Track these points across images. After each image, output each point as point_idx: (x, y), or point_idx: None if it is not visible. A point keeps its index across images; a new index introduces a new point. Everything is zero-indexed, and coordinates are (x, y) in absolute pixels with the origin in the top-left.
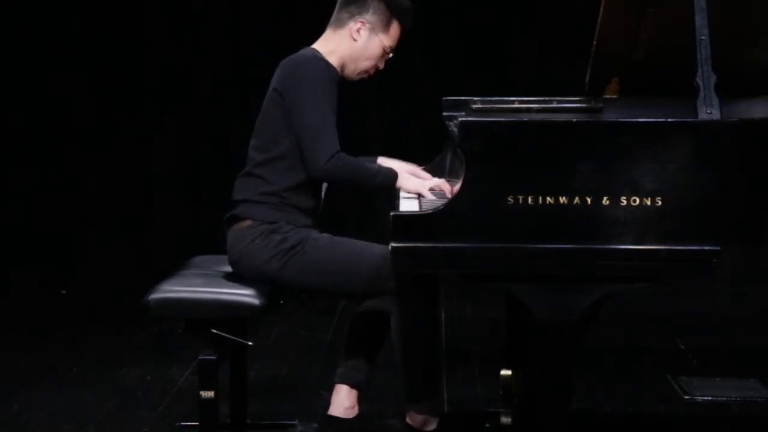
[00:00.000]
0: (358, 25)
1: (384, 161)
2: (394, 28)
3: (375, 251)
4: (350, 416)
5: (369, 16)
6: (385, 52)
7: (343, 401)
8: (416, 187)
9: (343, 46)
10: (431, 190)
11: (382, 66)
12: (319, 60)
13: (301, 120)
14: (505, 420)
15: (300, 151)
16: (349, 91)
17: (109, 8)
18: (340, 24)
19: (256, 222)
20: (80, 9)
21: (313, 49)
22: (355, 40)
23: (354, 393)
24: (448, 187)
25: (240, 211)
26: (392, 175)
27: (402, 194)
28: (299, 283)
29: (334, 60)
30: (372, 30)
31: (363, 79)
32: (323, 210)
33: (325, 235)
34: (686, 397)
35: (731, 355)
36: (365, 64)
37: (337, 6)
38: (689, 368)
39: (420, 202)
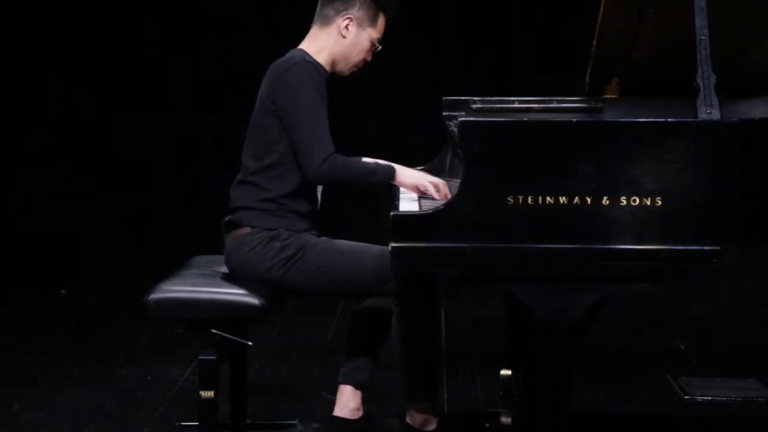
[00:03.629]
0: (346, 21)
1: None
2: (381, 21)
3: (374, 253)
4: (356, 417)
5: (356, 12)
6: (373, 45)
7: (348, 402)
8: (415, 181)
9: (331, 44)
10: (428, 190)
11: (370, 58)
12: (307, 63)
13: (293, 125)
14: (505, 420)
15: (295, 156)
16: (349, 91)
17: (109, 8)
18: (327, 21)
19: (255, 229)
20: (80, 8)
21: (301, 50)
22: (344, 36)
23: (359, 393)
24: (445, 190)
25: (238, 218)
26: (390, 171)
27: (402, 194)
28: (301, 288)
29: (323, 58)
30: (360, 25)
31: (353, 72)
32: (323, 212)
33: (324, 239)
34: (686, 397)
35: (731, 355)
36: (356, 59)
37: (321, 2)
38: (689, 368)
39: (420, 202)
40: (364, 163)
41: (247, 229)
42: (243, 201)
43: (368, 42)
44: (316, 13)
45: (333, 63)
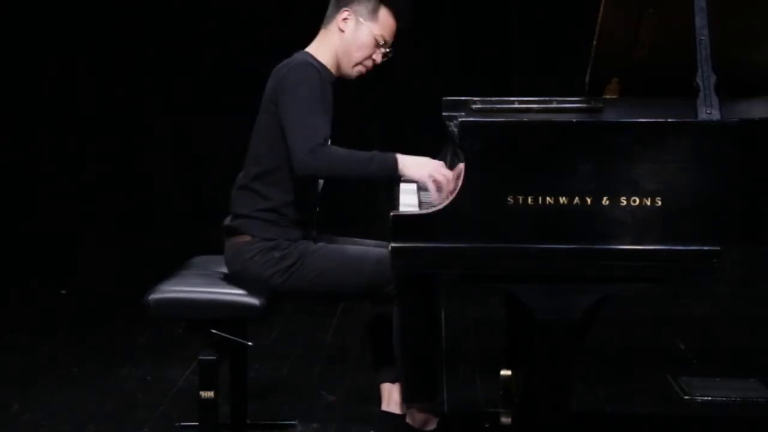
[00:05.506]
0: (344, 14)
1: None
2: (384, 16)
3: (373, 257)
4: (404, 411)
5: (355, 5)
6: (377, 43)
7: (393, 395)
8: (423, 175)
9: (333, 41)
10: (436, 183)
11: (378, 60)
12: (309, 64)
13: (285, 117)
14: (505, 420)
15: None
16: (349, 91)
17: (109, 7)
18: (329, 20)
19: (255, 238)
20: (80, 8)
21: (306, 52)
22: (342, 30)
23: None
24: (451, 176)
25: (238, 225)
26: (390, 162)
27: (402, 191)
28: (300, 294)
29: (327, 59)
30: (358, 18)
31: (362, 75)
32: (322, 211)
33: (322, 244)
34: (686, 397)
35: (731, 355)
36: (357, 55)
37: (329, 5)
38: (689, 368)
39: (419, 195)
40: (360, 152)
41: (246, 238)
42: (243, 209)
43: (369, 36)
44: (325, 16)
45: (337, 62)
